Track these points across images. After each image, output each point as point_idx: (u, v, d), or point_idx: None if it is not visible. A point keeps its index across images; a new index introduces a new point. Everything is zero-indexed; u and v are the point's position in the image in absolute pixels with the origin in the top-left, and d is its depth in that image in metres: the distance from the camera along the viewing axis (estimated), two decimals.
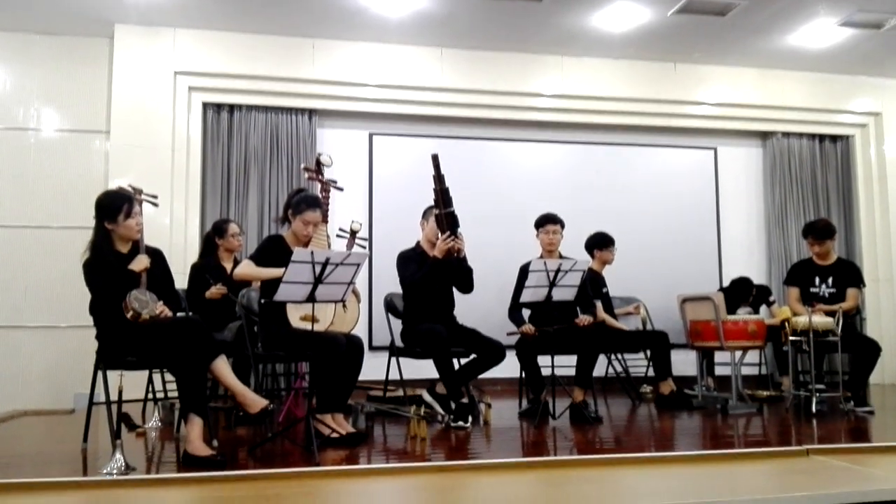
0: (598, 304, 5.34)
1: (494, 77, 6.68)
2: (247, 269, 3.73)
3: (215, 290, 4.72)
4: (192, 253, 5.92)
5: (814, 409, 4.68)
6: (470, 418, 4.23)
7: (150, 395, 4.78)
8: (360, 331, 4.49)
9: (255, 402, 3.31)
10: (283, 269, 3.29)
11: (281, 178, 6.31)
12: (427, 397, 4.57)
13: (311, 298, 3.39)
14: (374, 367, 4.74)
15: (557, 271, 4.27)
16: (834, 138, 7.51)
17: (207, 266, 4.91)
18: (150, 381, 4.76)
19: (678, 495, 2.67)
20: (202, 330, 3.31)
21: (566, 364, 4.60)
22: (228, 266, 4.99)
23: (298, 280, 3.29)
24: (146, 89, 6.04)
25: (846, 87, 7.33)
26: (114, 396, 3.15)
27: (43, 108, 6.15)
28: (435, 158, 4.32)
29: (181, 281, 4.68)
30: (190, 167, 6.13)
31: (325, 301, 3.51)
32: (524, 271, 4.56)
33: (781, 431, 4.24)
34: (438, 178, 4.32)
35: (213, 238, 5.06)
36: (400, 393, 4.93)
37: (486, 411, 4.46)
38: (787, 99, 7.22)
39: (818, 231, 5.25)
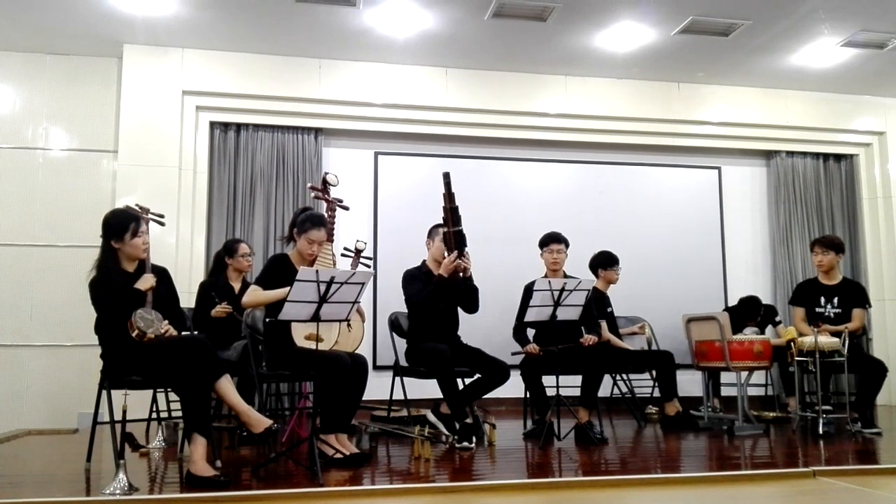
0: (603, 324, 5.33)
1: (499, 96, 6.72)
2: (253, 296, 3.73)
3: (220, 309, 4.73)
4: (198, 272, 5.95)
5: (821, 430, 4.65)
6: (474, 439, 4.21)
7: (154, 415, 4.77)
8: (365, 350, 4.48)
9: (259, 421, 3.31)
10: (289, 289, 3.30)
11: (287, 197, 6.34)
12: (431, 417, 4.56)
13: (315, 317, 3.39)
14: (377, 387, 4.72)
15: (562, 291, 4.27)
16: (838, 157, 7.52)
17: (215, 285, 4.92)
18: (154, 400, 4.76)
19: None
20: (207, 349, 3.31)
21: (571, 384, 4.59)
22: (237, 286, 5.00)
23: (303, 299, 3.30)
24: (154, 109, 6.09)
25: (850, 107, 7.35)
26: (118, 416, 3.15)
27: (51, 127, 6.20)
28: (446, 176, 4.32)
29: (187, 300, 4.69)
30: (196, 186, 6.17)
31: (329, 320, 3.51)
32: (528, 291, 4.55)
33: (788, 453, 4.21)
34: (448, 197, 4.32)
35: (223, 257, 5.07)
36: (404, 413, 4.92)
37: (490, 432, 4.44)
38: (791, 118, 7.23)
39: (826, 240, 5.26)
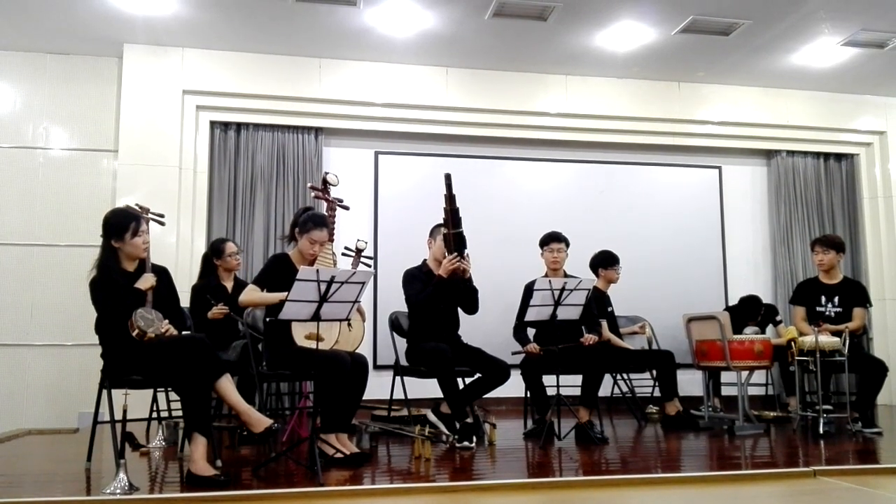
0: (604, 324, 5.33)
1: (499, 96, 6.72)
2: (251, 296, 3.73)
3: (217, 311, 4.70)
4: (198, 272, 5.94)
5: (821, 429, 4.64)
6: (475, 438, 4.21)
7: (155, 415, 4.77)
8: (365, 349, 4.48)
9: (260, 421, 3.30)
10: (286, 294, 3.29)
11: (287, 197, 6.34)
12: (431, 417, 4.56)
13: (315, 317, 3.39)
14: (378, 387, 4.73)
15: (562, 290, 4.27)
16: (839, 157, 7.52)
17: (208, 286, 4.88)
18: (155, 400, 4.76)
19: None
20: (207, 348, 3.31)
21: (571, 384, 4.59)
22: (229, 285, 4.98)
23: (303, 298, 3.30)
24: (154, 108, 6.09)
25: (850, 106, 7.35)
26: (118, 415, 3.15)
27: (51, 126, 6.20)
28: (448, 178, 4.32)
29: (187, 300, 4.68)
30: (197, 186, 6.17)
31: (329, 320, 3.51)
32: (529, 290, 4.55)
33: (789, 452, 4.21)
34: (450, 198, 4.31)
35: (211, 259, 5.02)
36: (404, 412, 4.92)
37: (490, 431, 4.44)
38: (792, 118, 7.23)
39: (827, 240, 5.26)
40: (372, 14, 5.61)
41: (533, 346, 4.64)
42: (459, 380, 4.48)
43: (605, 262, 5.59)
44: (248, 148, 6.38)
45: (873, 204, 7.39)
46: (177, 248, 5.92)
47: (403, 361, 4.73)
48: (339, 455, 3.58)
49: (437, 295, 4.45)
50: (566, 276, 4.87)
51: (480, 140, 6.85)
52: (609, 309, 5.59)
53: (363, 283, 3.44)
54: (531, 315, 4.34)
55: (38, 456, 4.46)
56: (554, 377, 4.34)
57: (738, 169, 7.43)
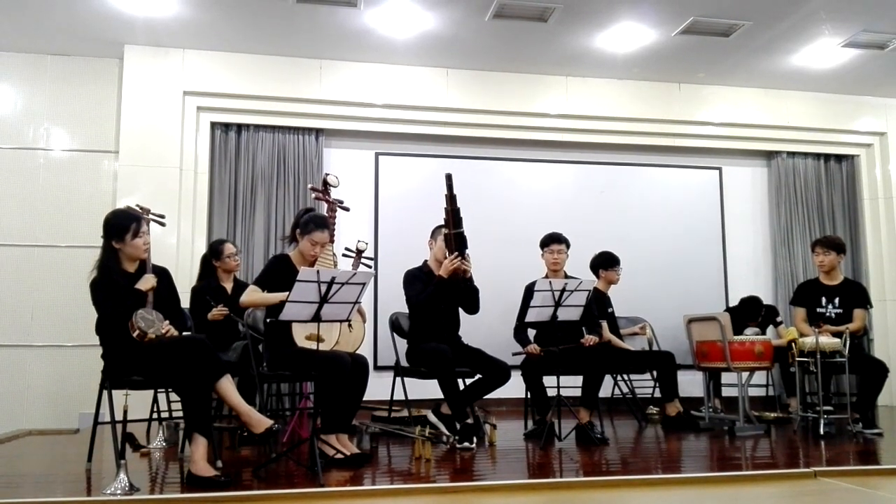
0: (604, 325, 5.33)
1: (500, 97, 6.72)
2: (251, 297, 3.73)
3: (217, 312, 4.69)
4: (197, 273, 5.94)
5: (822, 430, 4.65)
6: (475, 439, 4.21)
7: (155, 415, 4.77)
8: (365, 350, 4.48)
9: (260, 422, 3.31)
10: (287, 294, 3.30)
11: (287, 198, 6.34)
12: (432, 418, 4.56)
13: (316, 318, 3.39)
14: (378, 387, 4.73)
15: (563, 291, 4.26)
16: (839, 158, 7.52)
17: (207, 288, 4.87)
18: (155, 400, 4.76)
19: None
20: (207, 349, 3.32)
21: (572, 385, 4.59)
22: (228, 286, 4.97)
23: (304, 299, 3.30)
24: (155, 109, 6.10)
25: (851, 107, 7.35)
26: (119, 416, 3.15)
27: (52, 127, 6.20)
28: (449, 178, 4.32)
29: (187, 301, 4.68)
30: (197, 187, 6.17)
31: (330, 320, 3.51)
32: (529, 291, 4.55)
33: (789, 453, 4.21)
34: (451, 198, 4.32)
35: (209, 260, 5.01)
36: (405, 413, 4.92)
37: (491, 432, 4.44)
38: (792, 119, 7.23)
39: (827, 241, 5.26)
40: (372, 15, 5.61)
41: (533, 347, 4.64)
42: (460, 380, 4.49)
43: (605, 263, 5.59)
44: (249, 149, 6.38)
45: (874, 205, 7.39)
46: (177, 249, 5.92)
47: (404, 362, 4.73)
48: (339, 456, 3.58)
49: (438, 295, 4.45)
50: (566, 277, 4.87)
51: (481, 141, 6.85)
52: (609, 310, 5.59)
53: (364, 284, 3.44)
54: (531, 316, 4.34)
55: (38, 456, 4.46)
56: (554, 378, 4.34)
57: (739, 170, 7.43)
